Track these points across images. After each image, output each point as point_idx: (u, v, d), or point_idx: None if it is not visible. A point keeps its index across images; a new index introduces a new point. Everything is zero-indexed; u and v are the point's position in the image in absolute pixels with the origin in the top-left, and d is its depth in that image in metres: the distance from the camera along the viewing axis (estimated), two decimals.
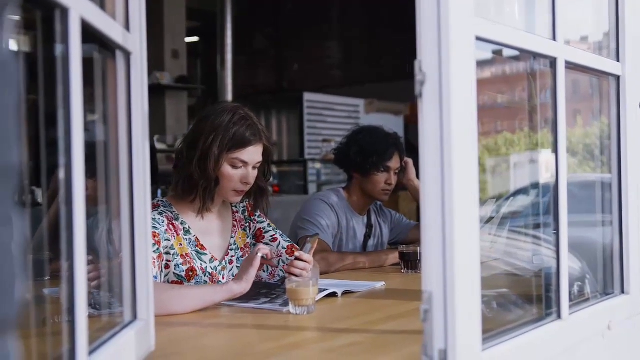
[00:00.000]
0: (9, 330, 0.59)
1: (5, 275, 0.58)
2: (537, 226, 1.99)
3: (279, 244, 2.41)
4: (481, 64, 1.29)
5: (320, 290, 2.06)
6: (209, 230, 2.31)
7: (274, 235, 2.43)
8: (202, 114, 2.28)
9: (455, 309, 1.17)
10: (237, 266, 2.33)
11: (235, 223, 2.39)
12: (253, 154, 2.22)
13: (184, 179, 2.22)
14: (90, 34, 1.13)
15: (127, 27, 1.37)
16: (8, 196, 0.59)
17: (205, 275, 2.23)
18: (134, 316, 1.40)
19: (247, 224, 2.43)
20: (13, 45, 0.61)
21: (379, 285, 2.39)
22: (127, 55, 1.36)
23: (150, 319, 1.43)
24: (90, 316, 1.09)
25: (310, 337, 1.72)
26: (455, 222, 1.18)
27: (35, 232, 1.65)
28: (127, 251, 1.40)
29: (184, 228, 2.24)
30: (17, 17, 0.63)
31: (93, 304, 1.40)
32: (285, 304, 1.94)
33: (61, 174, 1.02)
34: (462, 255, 1.19)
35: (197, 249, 2.24)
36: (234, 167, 2.20)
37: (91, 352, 1.11)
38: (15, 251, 0.60)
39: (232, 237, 2.36)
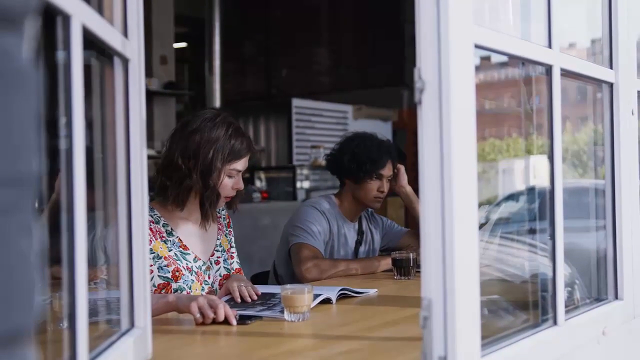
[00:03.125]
0: (28, 339, 0.59)
1: (25, 285, 0.58)
2: (527, 232, 1.99)
3: (232, 263, 2.49)
4: None
5: (315, 297, 2.06)
6: (194, 233, 2.36)
7: (233, 253, 2.53)
8: (191, 125, 2.28)
9: (455, 315, 1.17)
10: (224, 267, 2.42)
11: (219, 227, 2.47)
12: (245, 162, 2.34)
13: (185, 191, 2.27)
14: (88, 40, 1.13)
15: (125, 33, 1.36)
16: (28, 205, 0.59)
17: (191, 274, 2.28)
18: (132, 324, 1.39)
19: (228, 231, 2.53)
20: (32, 53, 0.61)
21: (372, 292, 2.39)
22: (125, 61, 1.36)
23: (147, 327, 1.42)
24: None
25: (307, 344, 1.72)
26: (455, 229, 1.18)
27: None
28: (124, 259, 1.39)
29: (166, 230, 2.29)
30: (35, 26, 0.62)
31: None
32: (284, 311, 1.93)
33: (62, 181, 1.01)
34: (462, 262, 1.19)
35: (180, 249, 2.30)
36: (230, 176, 2.30)
37: None
38: (33, 260, 0.60)
39: (218, 239, 2.44)
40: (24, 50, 0.59)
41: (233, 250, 2.54)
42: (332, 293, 2.18)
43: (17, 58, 0.58)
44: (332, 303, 2.15)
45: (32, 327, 0.59)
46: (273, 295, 2.21)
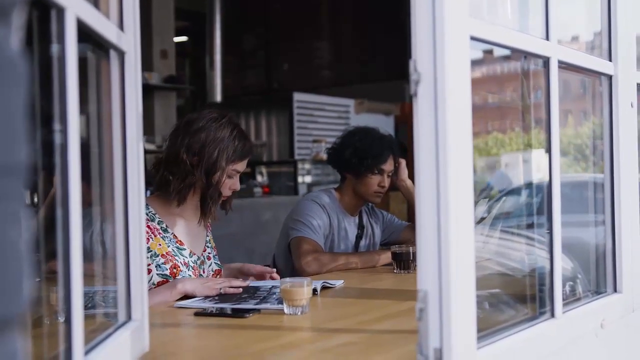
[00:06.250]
0: (16, 328, 0.59)
1: (14, 274, 0.58)
2: (528, 226, 1.99)
3: (210, 264, 2.49)
4: (472, 63, 1.29)
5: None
6: (186, 229, 2.40)
7: (214, 253, 2.55)
8: (197, 124, 2.32)
9: (451, 307, 1.18)
10: (215, 262, 2.48)
11: (208, 225, 2.52)
12: (245, 164, 2.40)
13: (187, 187, 2.30)
14: (84, 33, 1.12)
15: (121, 26, 1.36)
16: (17, 194, 0.59)
17: (188, 270, 2.32)
18: (128, 317, 1.39)
19: (211, 231, 2.57)
20: (21, 44, 0.61)
21: (339, 283, 2.40)
22: (121, 55, 1.36)
23: (144, 320, 1.43)
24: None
25: (305, 337, 1.72)
26: (451, 221, 1.18)
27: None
28: (120, 252, 1.39)
29: (161, 227, 2.32)
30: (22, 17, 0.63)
31: (85, 304, 1.39)
32: (281, 301, 1.93)
33: (57, 176, 1.01)
34: (457, 254, 1.19)
35: (177, 245, 2.33)
36: (230, 177, 2.35)
37: (86, 353, 1.11)
38: (22, 249, 0.60)
39: (207, 236, 2.49)
40: (12, 41, 0.59)
41: (214, 252, 2.57)
42: (316, 284, 2.21)
43: (4, 48, 0.58)
44: (317, 294, 2.16)
45: (21, 314, 0.60)
46: (257, 288, 2.22)
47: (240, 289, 2.18)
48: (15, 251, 0.58)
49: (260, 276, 2.45)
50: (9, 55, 0.58)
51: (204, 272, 2.40)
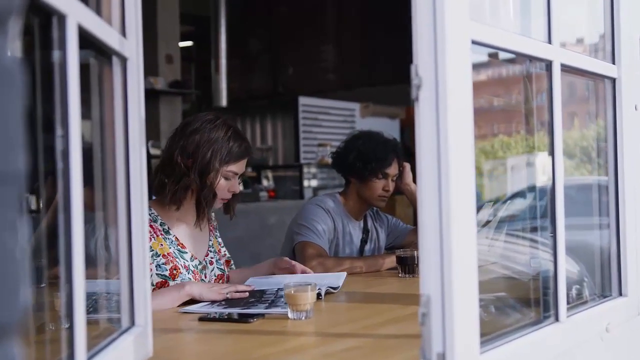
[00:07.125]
0: (13, 335, 0.59)
1: (10, 280, 0.59)
2: (534, 229, 1.99)
3: (223, 261, 2.53)
4: (477, 66, 1.29)
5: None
6: (188, 232, 2.40)
7: (225, 251, 2.58)
8: (192, 126, 2.34)
9: (453, 312, 1.17)
10: (217, 267, 2.47)
11: (211, 229, 2.52)
12: (243, 165, 2.39)
13: (182, 189, 2.30)
14: (86, 40, 1.13)
15: (123, 32, 1.37)
16: (13, 202, 0.59)
17: (188, 273, 2.32)
18: (132, 322, 1.40)
19: (217, 234, 2.57)
20: (18, 52, 0.61)
21: (342, 276, 2.43)
22: (124, 60, 1.36)
23: (147, 325, 1.43)
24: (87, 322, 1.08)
25: (310, 342, 1.72)
26: (453, 226, 1.18)
27: (31, 239, 1.64)
28: (124, 257, 1.39)
29: (163, 229, 2.33)
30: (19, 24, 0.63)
31: (89, 310, 1.40)
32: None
33: (59, 181, 1.02)
34: (460, 258, 1.19)
35: (179, 247, 2.34)
36: (226, 178, 2.34)
37: (89, 358, 1.11)
38: (19, 256, 0.60)
39: (210, 240, 2.49)
40: (8, 49, 0.59)
41: (224, 249, 2.58)
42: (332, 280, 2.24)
43: (1, 57, 0.59)
44: (321, 299, 2.15)
45: (17, 322, 0.60)
46: (264, 292, 2.22)
47: (247, 294, 2.18)
48: (12, 258, 0.59)
49: (290, 270, 2.47)
50: (5, 63, 0.59)
51: (205, 277, 2.40)
